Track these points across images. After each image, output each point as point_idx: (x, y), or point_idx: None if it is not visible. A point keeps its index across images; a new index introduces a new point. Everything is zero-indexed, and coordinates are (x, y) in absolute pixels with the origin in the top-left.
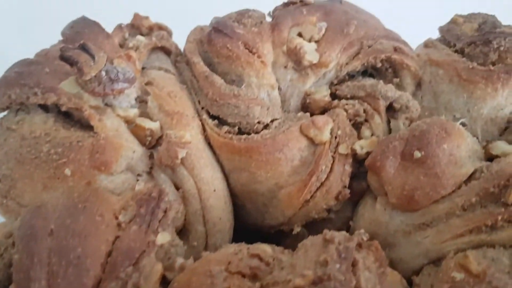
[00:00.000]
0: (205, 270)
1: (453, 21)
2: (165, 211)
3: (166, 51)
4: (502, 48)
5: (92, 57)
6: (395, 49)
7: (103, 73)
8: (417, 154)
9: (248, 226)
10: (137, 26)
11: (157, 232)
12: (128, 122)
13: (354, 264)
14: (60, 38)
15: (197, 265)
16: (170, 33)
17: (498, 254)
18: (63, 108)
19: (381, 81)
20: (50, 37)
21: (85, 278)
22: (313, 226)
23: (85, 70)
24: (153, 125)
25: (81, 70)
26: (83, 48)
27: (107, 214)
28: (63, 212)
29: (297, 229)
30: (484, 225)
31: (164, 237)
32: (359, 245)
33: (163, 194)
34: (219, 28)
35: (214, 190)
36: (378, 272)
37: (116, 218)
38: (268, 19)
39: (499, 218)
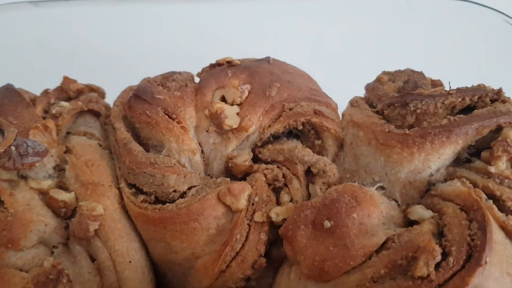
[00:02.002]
0: None
1: (378, 80)
2: None
3: (95, 114)
4: (418, 111)
5: (2, 133)
6: (315, 112)
7: (13, 148)
8: (327, 224)
9: None
10: (65, 90)
11: None
12: (43, 193)
13: None
14: None
15: None
16: (102, 94)
17: None
18: None
19: (298, 146)
20: None
21: None
22: None
23: None
24: (67, 197)
25: None
26: None
27: None
28: None
29: None
30: None
31: None
32: None
33: (61, 276)
34: (138, 94)
35: (130, 262)
36: None
37: None
38: (197, 80)
39: None
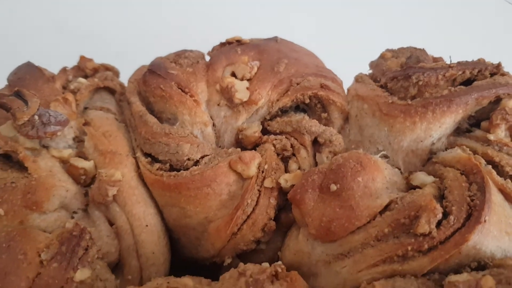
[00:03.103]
0: None
1: (381, 56)
2: (86, 249)
3: (110, 91)
4: (420, 83)
5: (26, 102)
6: (322, 86)
7: (36, 117)
8: (333, 187)
9: (185, 260)
10: (82, 68)
11: (77, 269)
12: (63, 162)
13: None
14: None
15: None
16: (116, 73)
17: (407, 283)
18: (0, 151)
19: (306, 117)
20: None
21: None
22: (246, 257)
23: (18, 116)
24: (87, 164)
25: (14, 116)
26: (17, 94)
27: (30, 252)
28: None
29: (227, 261)
30: (395, 255)
31: (83, 274)
32: (275, 276)
33: (84, 233)
34: (153, 69)
35: (147, 225)
36: None
37: (39, 255)
38: (208, 58)
39: (409, 248)
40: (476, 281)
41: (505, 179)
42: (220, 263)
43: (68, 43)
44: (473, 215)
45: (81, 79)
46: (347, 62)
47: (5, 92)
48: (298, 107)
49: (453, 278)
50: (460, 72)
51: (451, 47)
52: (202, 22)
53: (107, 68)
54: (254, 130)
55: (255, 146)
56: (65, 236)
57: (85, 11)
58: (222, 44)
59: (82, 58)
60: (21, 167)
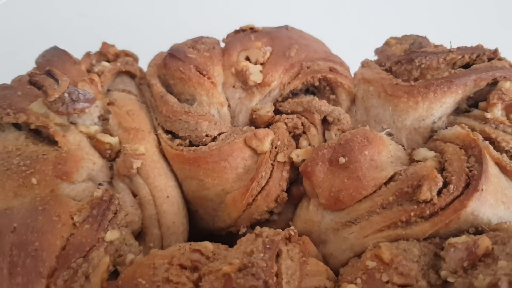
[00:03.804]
0: (150, 263)
1: (386, 43)
2: (115, 213)
3: (131, 75)
4: (423, 66)
5: (56, 81)
6: (330, 69)
7: (66, 95)
8: (342, 160)
9: (202, 231)
10: (104, 54)
11: (107, 230)
12: (90, 137)
13: (278, 254)
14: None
15: (144, 259)
16: (136, 59)
17: (410, 245)
18: (32, 126)
19: (316, 97)
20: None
21: (41, 267)
22: (260, 227)
23: (49, 93)
24: (112, 140)
25: (46, 93)
26: (49, 73)
27: (64, 215)
28: (25, 213)
29: (243, 230)
30: (399, 220)
31: (113, 235)
32: (288, 239)
33: (113, 198)
34: (173, 53)
35: (168, 197)
36: (300, 261)
37: (72, 218)
38: (223, 45)
39: (412, 214)
40: (474, 241)
41: (501, 154)
42: (235, 233)
43: (88, 29)
44: (471, 184)
45: (105, 63)
46: (351, 52)
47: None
48: (308, 90)
49: (452, 240)
50: (459, 56)
51: (451, 36)
52: (208, 14)
53: (127, 54)
54: (267, 110)
55: (268, 125)
56: (95, 201)
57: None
58: (237, 32)
59: (104, 44)
60: (50, 142)
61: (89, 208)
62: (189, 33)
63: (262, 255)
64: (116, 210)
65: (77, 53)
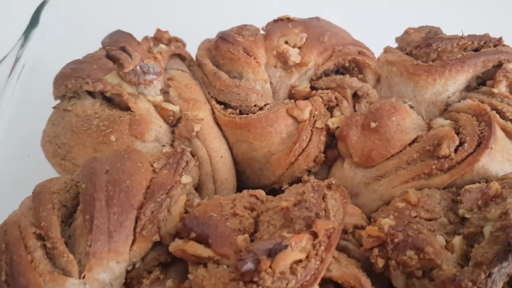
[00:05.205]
0: (216, 203)
1: (405, 32)
2: (187, 162)
3: (182, 58)
4: (439, 49)
5: (130, 56)
6: (359, 52)
7: (138, 67)
8: (373, 125)
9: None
10: (159, 38)
11: (182, 175)
12: (156, 106)
13: (323, 196)
14: (98, 47)
15: (210, 201)
16: (184, 45)
17: (432, 192)
18: (107, 94)
19: (347, 75)
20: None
21: (132, 200)
22: None
23: (125, 65)
24: (175, 108)
25: (122, 65)
26: (123, 49)
27: (145, 162)
28: (114, 159)
29: (285, 186)
30: (422, 173)
31: (186, 179)
32: (329, 187)
33: (185, 150)
34: (224, 37)
35: (222, 157)
36: (342, 202)
37: (152, 165)
38: (262, 32)
39: (433, 167)
40: (486, 185)
41: (506, 122)
42: (278, 189)
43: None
44: (482, 143)
45: (162, 45)
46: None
47: (102, 53)
48: (338, 71)
49: (467, 186)
50: (470, 42)
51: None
52: (208, 14)
53: (177, 40)
54: (304, 86)
55: (304, 99)
56: (170, 153)
57: None
58: (275, 21)
59: (158, 30)
60: (121, 108)
61: (165, 158)
62: (189, 33)
63: (312, 194)
64: (188, 160)
65: None
